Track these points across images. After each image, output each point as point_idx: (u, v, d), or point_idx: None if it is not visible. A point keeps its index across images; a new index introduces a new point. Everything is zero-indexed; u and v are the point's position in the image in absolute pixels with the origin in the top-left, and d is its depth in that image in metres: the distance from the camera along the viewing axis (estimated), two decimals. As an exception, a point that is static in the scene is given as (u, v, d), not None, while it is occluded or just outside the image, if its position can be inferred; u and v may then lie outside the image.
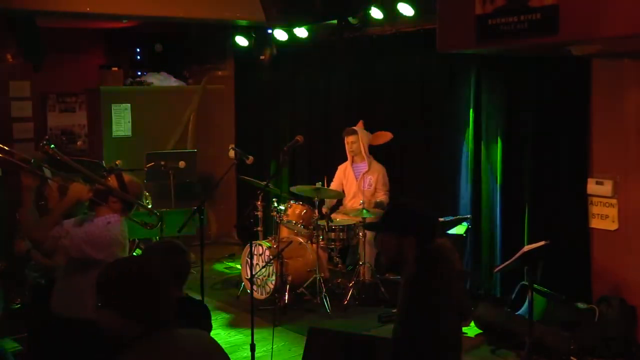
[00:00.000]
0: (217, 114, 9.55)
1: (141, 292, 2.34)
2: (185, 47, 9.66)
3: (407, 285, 2.98)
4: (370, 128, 7.25)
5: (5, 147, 3.90)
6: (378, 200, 6.95)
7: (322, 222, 6.66)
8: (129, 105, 8.91)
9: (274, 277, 6.49)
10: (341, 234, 6.74)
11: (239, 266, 7.53)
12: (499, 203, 6.34)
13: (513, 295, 5.88)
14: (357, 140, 7.07)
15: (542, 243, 5.17)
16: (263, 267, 6.61)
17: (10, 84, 9.01)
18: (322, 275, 6.62)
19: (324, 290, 6.49)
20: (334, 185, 7.29)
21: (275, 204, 6.90)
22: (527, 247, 5.20)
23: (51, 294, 3.95)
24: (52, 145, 3.91)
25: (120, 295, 2.32)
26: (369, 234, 6.51)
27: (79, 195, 3.83)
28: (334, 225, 6.72)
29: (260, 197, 6.84)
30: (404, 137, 7.23)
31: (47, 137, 4.23)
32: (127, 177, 4.05)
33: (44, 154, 3.92)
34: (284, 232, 7.00)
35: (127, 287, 2.34)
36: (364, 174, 7.08)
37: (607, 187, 5.63)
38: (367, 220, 6.58)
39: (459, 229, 6.32)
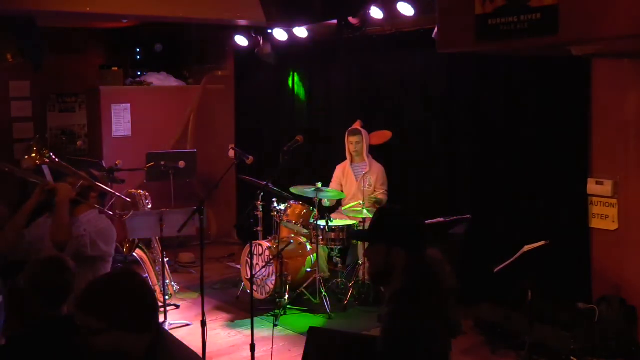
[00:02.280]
0: (217, 114, 9.55)
1: (148, 302, 2.32)
2: (185, 47, 9.67)
3: (392, 301, 2.78)
4: (369, 128, 7.25)
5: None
6: (377, 197, 6.95)
7: (322, 222, 6.67)
8: (129, 105, 8.91)
9: (274, 277, 6.49)
10: (341, 234, 6.74)
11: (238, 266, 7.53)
12: (499, 203, 6.34)
13: (513, 295, 5.88)
14: (361, 140, 7.07)
15: (542, 243, 5.17)
16: (263, 267, 6.61)
17: (10, 84, 9.01)
18: (322, 275, 6.62)
19: (324, 290, 6.49)
20: (332, 186, 7.28)
21: (275, 204, 6.90)
22: (527, 247, 5.20)
23: None
24: (51, 154, 3.97)
25: (133, 310, 2.27)
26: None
27: (70, 195, 3.87)
28: (334, 225, 6.72)
29: (260, 197, 6.84)
30: (404, 136, 7.23)
31: (37, 136, 4.25)
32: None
33: (50, 162, 3.98)
34: (284, 232, 7.00)
35: (137, 301, 2.29)
36: (364, 174, 7.08)
37: (607, 187, 5.64)
38: (368, 221, 6.58)
39: (459, 229, 6.31)
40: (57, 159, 4.12)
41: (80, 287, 3.76)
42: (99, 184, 4.07)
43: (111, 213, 4.28)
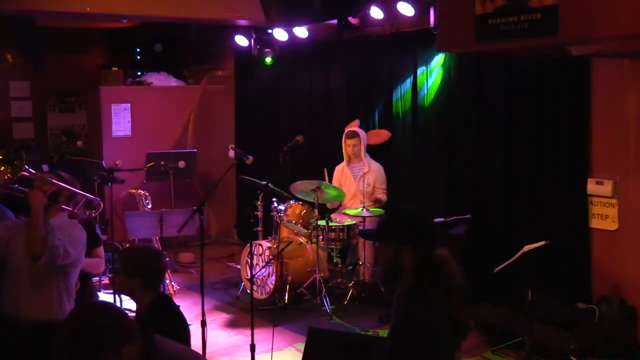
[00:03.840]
0: (217, 114, 9.55)
1: (116, 323, 2.32)
2: (185, 47, 9.67)
3: (403, 299, 2.78)
4: (369, 127, 7.25)
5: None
6: (377, 197, 6.95)
7: (322, 222, 6.67)
8: (129, 105, 8.91)
9: (274, 277, 6.49)
10: (341, 234, 6.74)
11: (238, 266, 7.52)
12: (499, 203, 6.34)
13: (513, 295, 5.88)
14: (359, 142, 7.06)
15: (542, 243, 5.17)
16: (263, 267, 6.61)
17: (10, 84, 9.02)
18: (322, 275, 6.62)
19: (324, 290, 6.49)
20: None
21: (275, 204, 6.90)
22: (527, 247, 5.20)
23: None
24: (26, 166, 3.88)
25: (107, 332, 2.28)
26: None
27: (42, 202, 3.78)
28: (334, 225, 6.72)
29: (260, 197, 6.84)
30: (404, 136, 7.23)
31: (11, 148, 4.08)
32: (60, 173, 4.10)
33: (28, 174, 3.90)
34: (284, 232, 7.00)
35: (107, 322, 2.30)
36: (363, 174, 7.08)
37: (607, 187, 5.63)
38: (368, 220, 6.58)
39: (459, 229, 6.31)
40: (32, 170, 3.99)
41: (52, 294, 3.78)
42: (68, 187, 3.97)
43: (78, 212, 4.22)
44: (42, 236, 3.67)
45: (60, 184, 3.94)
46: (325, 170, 7.22)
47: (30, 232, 3.71)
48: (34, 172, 3.97)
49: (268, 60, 8.41)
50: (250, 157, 6.54)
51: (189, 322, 3.39)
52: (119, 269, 3.43)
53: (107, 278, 7.05)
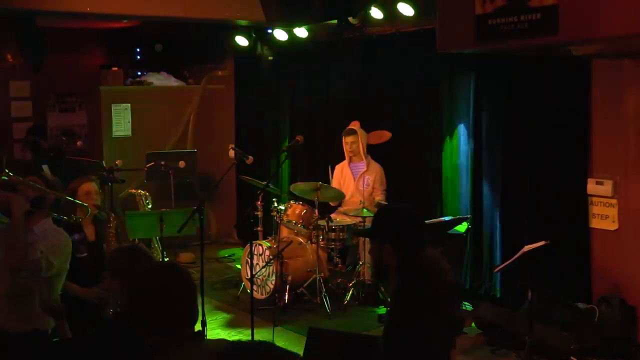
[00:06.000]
0: (217, 114, 9.55)
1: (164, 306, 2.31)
2: (185, 47, 9.67)
3: (393, 300, 2.82)
4: (369, 128, 7.25)
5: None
6: (376, 201, 6.95)
7: (322, 222, 6.67)
8: (129, 105, 8.91)
9: (274, 277, 6.49)
10: (341, 234, 6.74)
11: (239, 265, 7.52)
12: (499, 203, 6.35)
13: (513, 295, 5.88)
14: (357, 140, 7.06)
15: (542, 243, 5.17)
16: (263, 267, 6.61)
17: (10, 84, 9.01)
18: (322, 275, 6.62)
19: (324, 290, 6.49)
20: (332, 186, 7.27)
21: (275, 204, 6.90)
22: (527, 247, 5.21)
23: None
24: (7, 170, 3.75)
25: (146, 309, 2.28)
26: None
27: (24, 207, 3.60)
28: (334, 225, 6.72)
29: (260, 197, 6.84)
30: (404, 136, 7.23)
31: None
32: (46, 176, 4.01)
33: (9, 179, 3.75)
34: (284, 232, 7.00)
35: (150, 301, 2.30)
36: (362, 173, 7.07)
37: (607, 187, 5.63)
38: (368, 220, 6.58)
39: (459, 229, 6.31)
40: (13, 176, 3.82)
41: (35, 304, 3.63)
42: (52, 191, 3.81)
43: (65, 218, 4.10)
44: (22, 246, 3.50)
45: (47, 189, 3.78)
46: (330, 168, 7.22)
47: (9, 240, 3.52)
48: (21, 179, 3.78)
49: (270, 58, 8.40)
50: (250, 157, 6.54)
51: None
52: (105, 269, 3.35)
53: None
